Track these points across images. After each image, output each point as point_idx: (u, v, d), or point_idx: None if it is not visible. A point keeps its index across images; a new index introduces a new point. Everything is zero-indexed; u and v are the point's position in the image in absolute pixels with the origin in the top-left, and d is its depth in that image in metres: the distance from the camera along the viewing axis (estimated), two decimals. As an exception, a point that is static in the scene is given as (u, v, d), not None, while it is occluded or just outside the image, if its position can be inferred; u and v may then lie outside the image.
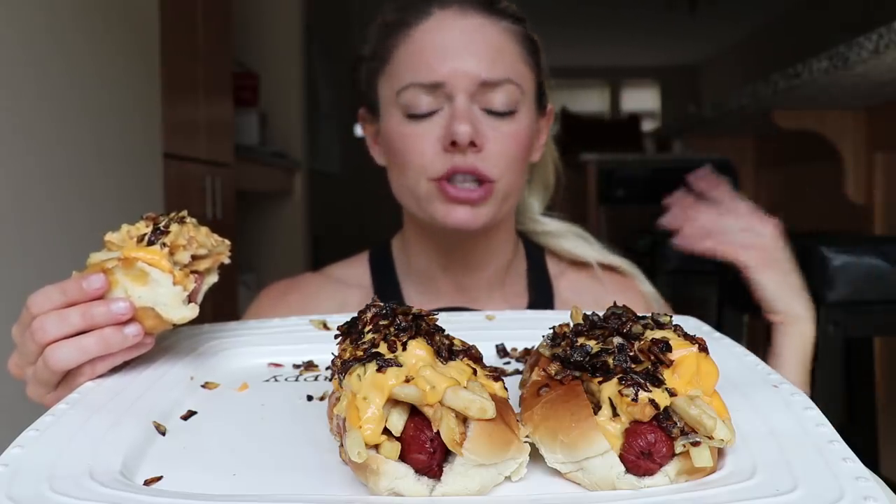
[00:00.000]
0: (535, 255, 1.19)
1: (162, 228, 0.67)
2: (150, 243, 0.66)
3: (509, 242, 1.14)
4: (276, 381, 0.73)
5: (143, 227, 0.68)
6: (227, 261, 0.74)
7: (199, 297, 0.71)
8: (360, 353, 0.50)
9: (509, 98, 1.00)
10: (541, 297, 1.14)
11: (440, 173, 0.98)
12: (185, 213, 0.72)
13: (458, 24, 1.00)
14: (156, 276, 0.65)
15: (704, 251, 1.05)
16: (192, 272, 0.69)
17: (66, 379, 0.67)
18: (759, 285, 1.05)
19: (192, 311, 0.67)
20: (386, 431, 0.47)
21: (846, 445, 0.49)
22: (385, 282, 1.14)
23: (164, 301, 0.65)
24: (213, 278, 0.73)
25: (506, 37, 1.02)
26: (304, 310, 1.09)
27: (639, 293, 1.18)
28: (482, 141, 0.97)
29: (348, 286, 1.15)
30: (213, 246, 0.72)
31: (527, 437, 0.49)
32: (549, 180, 1.21)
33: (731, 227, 1.05)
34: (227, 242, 0.75)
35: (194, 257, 0.70)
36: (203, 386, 0.70)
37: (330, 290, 1.15)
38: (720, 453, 0.49)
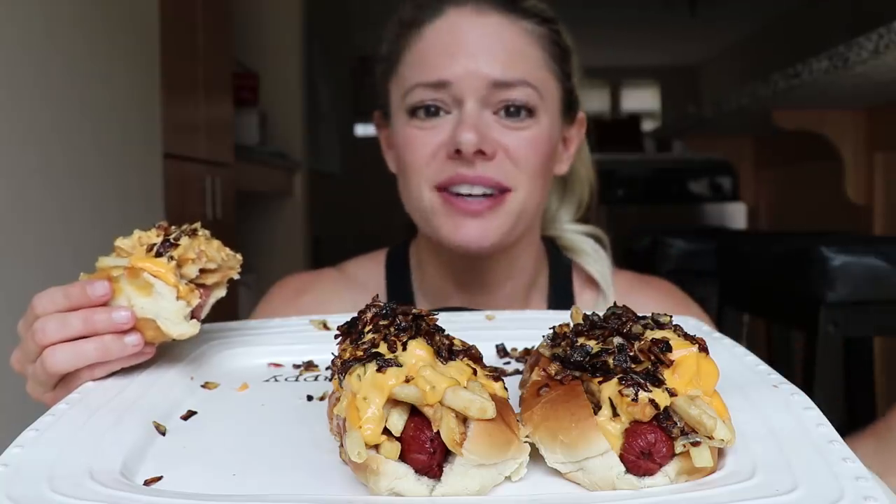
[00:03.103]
0: (562, 267, 1.10)
1: (172, 241, 0.67)
2: (159, 255, 0.66)
3: (530, 260, 1.05)
4: (276, 381, 0.73)
5: (154, 237, 0.68)
6: (236, 276, 0.73)
7: (204, 312, 0.70)
8: (360, 353, 0.50)
9: (525, 101, 0.92)
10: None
11: (443, 180, 0.91)
12: (197, 224, 0.71)
13: (472, 23, 0.93)
14: (160, 289, 0.65)
15: None
16: (200, 286, 0.69)
17: (65, 381, 0.67)
18: None
19: (193, 328, 0.66)
20: (386, 431, 0.47)
21: (846, 445, 0.49)
22: (399, 291, 1.08)
23: (166, 315, 0.65)
24: (220, 292, 0.73)
25: (526, 39, 0.95)
26: (316, 312, 1.03)
27: (679, 305, 1.09)
28: (492, 149, 0.90)
29: (363, 288, 1.09)
30: (223, 260, 0.71)
31: (527, 437, 0.49)
32: (584, 196, 1.12)
33: None
34: (239, 257, 0.74)
35: (203, 271, 0.69)
36: (203, 386, 0.70)
37: (342, 290, 1.09)
38: (720, 453, 0.49)
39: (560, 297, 1.07)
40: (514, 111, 0.92)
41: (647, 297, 1.08)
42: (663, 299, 1.09)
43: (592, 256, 1.09)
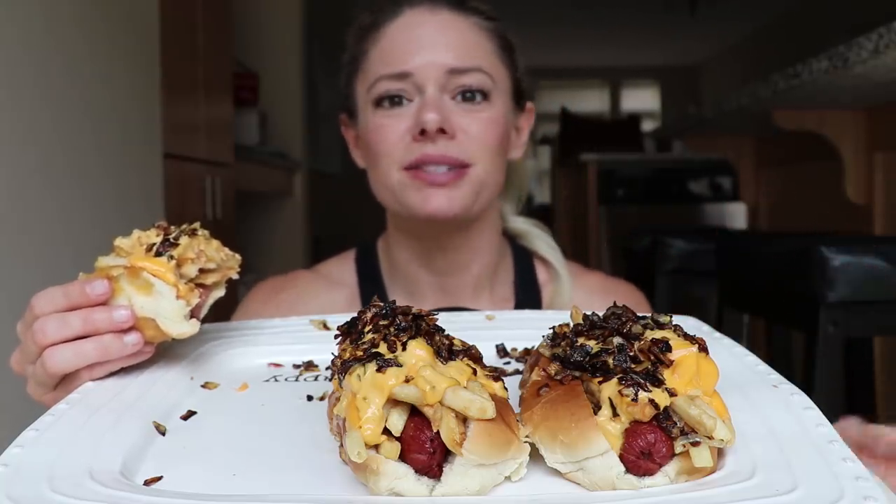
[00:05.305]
0: (524, 259, 1.17)
1: (172, 240, 0.67)
2: (159, 254, 0.66)
3: (493, 243, 1.12)
4: (276, 381, 0.73)
5: (154, 236, 0.68)
6: (235, 276, 0.74)
7: (203, 312, 0.70)
8: (360, 353, 0.50)
9: (480, 86, 1.01)
10: (528, 302, 1.12)
11: (411, 161, 0.99)
12: (197, 224, 0.72)
13: (428, 20, 1.02)
14: (160, 288, 0.65)
15: None
16: (199, 286, 0.69)
17: (64, 381, 0.67)
18: None
19: (193, 328, 0.66)
20: (386, 431, 0.47)
21: (846, 445, 0.49)
22: (369, 283, 1.15)
23: (166, 314, 0.65)
24: (219, 292, 0.73)
25: (476, 31, 1.04)
26: (293, 308, 1.10)
27: (638, 306, 1.15)
28: (452, 128, 0.98)
29: (337, 285, 1.16)
30: (222, 260, 0.71)
31: (527, 437, 0.49)
32: (525, 185, 1.22)
33: None
34: (238, 258, 0.74)
35: (202, 270, 0.69)
36: (203, 386, 0.70)
37: (319, 289, 1.16)
38: (720, 453, 0.49)
39: (525, 281, 1.15)
40: (470, 95, 1.01)
41: (609, 300, 1.14)
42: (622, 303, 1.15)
43: (543, 239, 1.18)
